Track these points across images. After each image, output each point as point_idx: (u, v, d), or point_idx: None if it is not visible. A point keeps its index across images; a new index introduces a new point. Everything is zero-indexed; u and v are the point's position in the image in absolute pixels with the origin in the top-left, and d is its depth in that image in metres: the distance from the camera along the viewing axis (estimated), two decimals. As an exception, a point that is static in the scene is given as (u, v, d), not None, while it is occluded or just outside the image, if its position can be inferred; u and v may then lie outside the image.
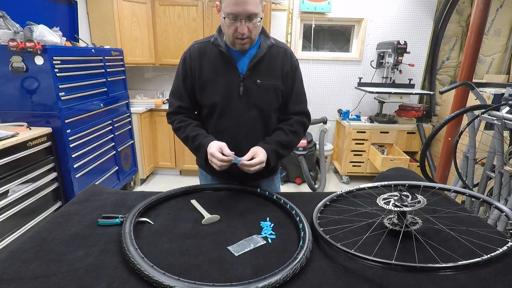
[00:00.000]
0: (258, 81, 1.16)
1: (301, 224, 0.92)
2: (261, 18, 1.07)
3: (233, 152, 1.08)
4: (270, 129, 1.26)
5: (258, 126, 1.22)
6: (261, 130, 1.23)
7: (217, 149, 1.07)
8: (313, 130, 3.87)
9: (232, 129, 1.20)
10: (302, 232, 0.88)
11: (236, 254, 0.82)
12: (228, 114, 1.19)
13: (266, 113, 1.21)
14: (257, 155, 1.09)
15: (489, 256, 0.66)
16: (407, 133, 3.48)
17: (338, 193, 1.16)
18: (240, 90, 1.16)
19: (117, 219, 0.95)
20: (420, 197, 0.93)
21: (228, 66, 1.16)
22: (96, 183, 2.54)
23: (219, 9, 1.09)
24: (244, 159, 1.07)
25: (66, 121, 2.17)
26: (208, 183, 1.36)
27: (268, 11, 3.30)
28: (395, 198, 0.93)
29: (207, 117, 1.24)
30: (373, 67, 3.68)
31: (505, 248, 0.68)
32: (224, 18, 1.05)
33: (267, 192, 1.15)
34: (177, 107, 1.24)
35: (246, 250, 0.84)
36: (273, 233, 0.92)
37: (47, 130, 2.08)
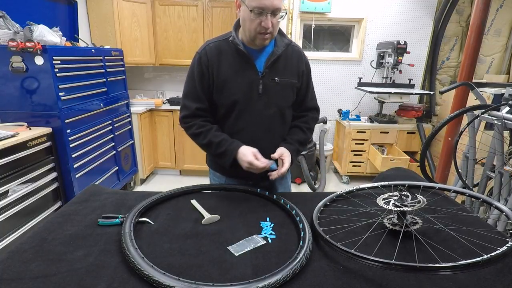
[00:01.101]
0: (277, 79, 1.18)
1: (301, 224, 0.92)
2: (286, 14, 1.08)
3: (267, 160, 1.13)
4: (286, 126, 1.29)
5: (276, 124, 1.24)
6: (279, 127, 1.25)
7: (253, 157, 1.11)
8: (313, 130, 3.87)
9: (251, 128, 1.21)
10: (302, 232, 0.88)
11: (236, 254, 0.82)
12: (247, 113, 1.19)
13: (283, 110, 1.24)
14: (284, 158, 1.15)
15: (489, 256, 0.66)
16: (407, 133, 3.48)
17: (338, 193, 1.16)
18: (260, 88, 1.17)
19: (117, 219, 0.95)
20: (420, 197, 0.93)
21: (246, 64, 1.16)
22: (96, 183, 2.54)
23: (239, 5, 1.09)
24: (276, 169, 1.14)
25: (66, 121, 2.17)
26: (219, 183, 1.35)
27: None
28: (395, 198, 0.93)
29: (224, 117, 1.23)
30: (373, 67, 3.68)
31: (505, 248, 0.68)
32: (251, 11, 1.04)
33: (267, 192, 1.16)
34: (195, 109, 1.19)
35: (246, 250, 0.84)
36: (273, 233, 0.92)
37: (47, 130, 2.08)
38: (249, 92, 1.17)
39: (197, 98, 1.19)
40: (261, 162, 1.11)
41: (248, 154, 1.11)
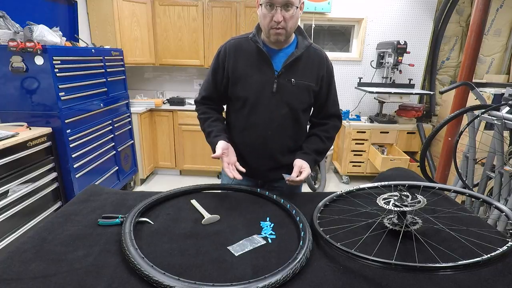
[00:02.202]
0: (293, 79, 1.18)
1: (301, 224, 0.92)
2: (297, 7, 1.09)
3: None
4: (300, 129, 1.28)
5: (287, 124, 1.24)
6: (290, 129, 1.25)
7: (220, 151, 1.15)
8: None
9: (262, 125, 1.22)
10: (302, 232, 0.88)
11: (236, 254, 0.82)
12: (259, 110, 1.21)
13: (297, 112, 1.23)
14: (304, 169, 1.16)
15: (489, 256, 0.65)
16: (407, 133, 3.48)
17: (338, 193, 1.16)
18: (274, 87, 1.18)
19: (117, 219, 0.95)
20: (420, 197, 0.93)
21: (263, 62, 1.18)
22: (96, 183, 2.54)
23: (259, 4, 1.11)
24: (293, 176, 1.14)
25: (66, 121, 2.17)
26: (229, 183, 1.36)
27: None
28: (395, 198, 0.93)
29: (238, 111, 1.26)
30: (373, 67, 3.68)
31: (505, 248, 0.68)
32: (261, 5, 1.07)
33: (267, 192, 1.16)
34: (201, 98, 1.31)
35: (246, 250, 0.84)
36: (273, 233, 0.92)
37: (47, 130, 2.08)
38: (261, 90, 1.19)
39: (208, 88, 1.29)
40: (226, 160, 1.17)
41: (218, 148, 1.16)
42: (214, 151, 1.18)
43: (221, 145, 1.16)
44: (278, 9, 1.05)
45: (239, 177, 1.13)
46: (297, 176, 1.14)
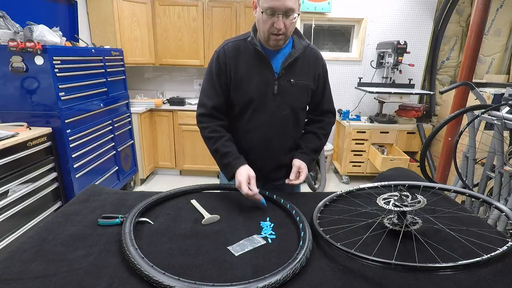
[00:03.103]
0: (292, 80, 1.19)
1: (301, 224, 0.92)
2: (298, 15, 1.08)
3: (258, 190, 1.08)
4: (299, 128, 1.30)
5: (289, 125, 1.25)
6: (291, 129, 1.26)
7: (245, 180, 1.08)
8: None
9: (264, 128, 1.22)
10: (302, 232, 0.88)
11: (236, 254, 0.82)
12: (261, 112, 1.21)
13: (297, 112, 1.24)
14: (302, 170, 1.19)
15: (489, 256, 0.66)
16: (407, 133, 3.48)
17: (338, 193, 1.16)
18: (275, 89, 1.18)
19: (117, 219, 0.95)
20: (420, 197, 0.93)
21: (263, 64, 1.17)
22: (96, 183, 2.54)
23: (256, 5, 1.10)
24: (292, 177, 1.17)
25: (66, 121, 2.17)
26: (227, 183, 1.35)
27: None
28: (395, 198, 0.93)
29: (238, 115, 1.24)
30: (373, 67, 3.68)
31: (505, 248, 0.68)
32: (262, 12, 1.06)
33: (267, 192, 1.16)
34: (211, 108, 1.21)
35: (246, 250, 0.84)
36: (273, 233, 0.92)
37: (47, 130, 2.08)
38: (264, 91, 1.18)
39: (214, 96, 1.21)
40: (249, 189, 1.07)
41: (242, 174, 1.10)
42: (230, 174, 1.16)
43: (245, 176, 1.09)
44: (279, 16, 1.05)
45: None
46: (296, 177, 1.17)
